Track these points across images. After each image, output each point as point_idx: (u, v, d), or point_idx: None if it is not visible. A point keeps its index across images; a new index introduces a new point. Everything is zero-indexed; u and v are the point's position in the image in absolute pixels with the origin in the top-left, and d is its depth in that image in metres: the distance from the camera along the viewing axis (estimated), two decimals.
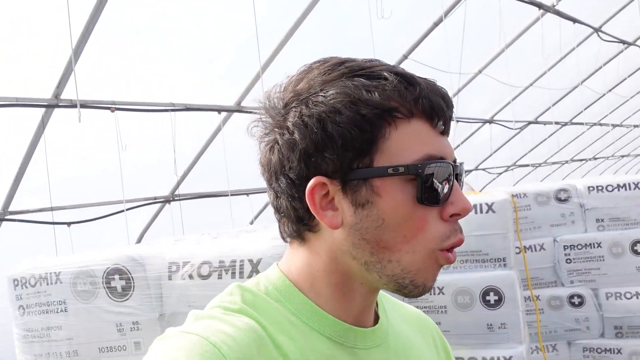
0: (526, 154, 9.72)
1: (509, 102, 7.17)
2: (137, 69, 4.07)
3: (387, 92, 0.64)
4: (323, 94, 0.65)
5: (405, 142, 0.65)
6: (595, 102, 9.17)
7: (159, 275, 2.06)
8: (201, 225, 4.65)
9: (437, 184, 0.65)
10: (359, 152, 0.65)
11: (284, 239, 0.74)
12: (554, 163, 11.19)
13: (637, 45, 7.93)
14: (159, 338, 0.63)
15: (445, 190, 0.66)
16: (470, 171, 8.47)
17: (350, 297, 0.70)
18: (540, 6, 5.44)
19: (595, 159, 12.79)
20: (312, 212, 0.67)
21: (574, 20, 6.19)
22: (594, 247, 4.65)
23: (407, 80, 0.65)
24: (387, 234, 0.66)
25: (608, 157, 13.51)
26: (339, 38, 4.96)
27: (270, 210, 0.74)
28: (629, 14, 6.73)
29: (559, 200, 4.78)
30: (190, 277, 2.00)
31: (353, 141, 0.64)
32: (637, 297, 4.65)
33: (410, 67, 5.17)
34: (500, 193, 3.19)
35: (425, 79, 0.67)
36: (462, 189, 0.70)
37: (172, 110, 4.21)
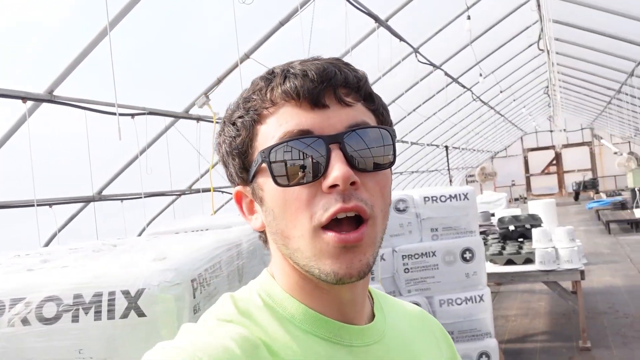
0: None
1: None
2: None
3: (252, 94, 0.69)
4: (223, 118, 0.74)
5: (270, 131, 0.66)
6: (401, 120, 9.77)
7: None
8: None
9: (295, 162, 0.63)
10: (242, 156, 0.69)
11: (263, 244, 0.75)
12: None
13: (442, 69, 8.63)
14: (148, 352, 0.62)
15: (318, 164, 0.63)
16: None
17: (323, 294, 0.69)
18: (376, 19, 5.50)
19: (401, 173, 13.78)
20: (244, 219, 0.74)
21: (400, 38, 6.43)
22: (430, 256, 4.75)
23: (270, 75, 0.68)
24: (280, 223, 0.66)
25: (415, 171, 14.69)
26: (172, 32, 4.42)
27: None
28: (442, 37, 7.25)
29: (398, 210, 4.80)
30: (25, 321, 1.34)
31: (235, 148, 0.69)
32: (466, 303, 4.86)
33: (251, 67, 4.81)
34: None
35: (307, 60, 0.69)
36: (368, 154, 0.66)
37: None
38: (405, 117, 9.55)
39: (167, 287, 1.36)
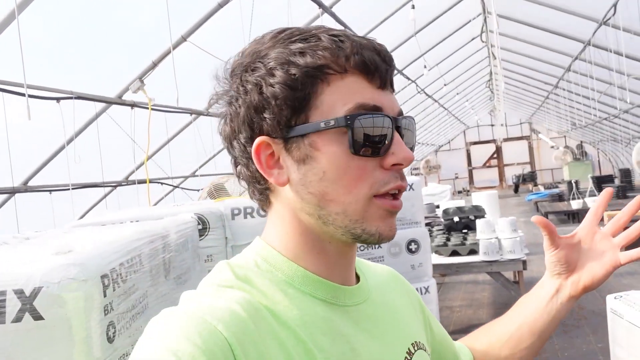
0: None
1: None
2: None
3: (319, 51, 0.67)
4: (261, 60, 0.68)
5: (339, 96, 0.67)
6: None
7: None
8: None
9: (372, 134, 0.66)
10: (294, 110, 0.67)
11: (261, 208, 0.76)
12: None
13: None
14: (153, 318, 0.62)
15: (384, 141, 0.67)
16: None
17: (327, 256, 0.72)
18: (320, 5, 5.34)
19: None
20: (261, 172, 0.70)
21: (344, 26, 6.30)
22: (375, 248, 4.66)
23: (340, 39, 0.68)
24: (330, 186, 0.68)
25: None
26: (102, 11, 4.11)
27: None
28: (387, 27, 7.18)
29: None
30: None
31: (286, 100, 0.67)
32: None
33: (190, 51, 4.56)
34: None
35: (363, 37, 0.70)
36: (411, 141, 0.72)
37: None
38: None
39: (71, 285, 1.15)
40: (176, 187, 7.44)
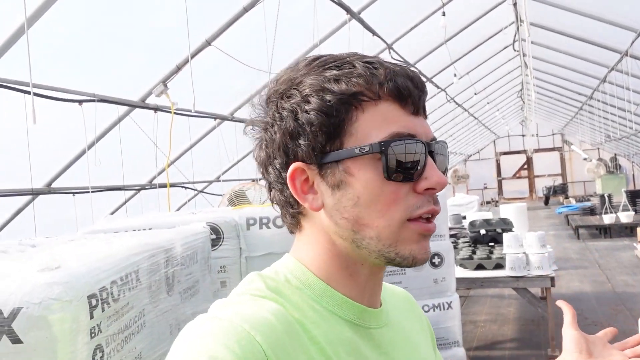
0: None
1: None
2: None
3: (353, 78, 0.69)
4: (296, 87, 0.70)
5: (373, 123, 0.69)
6: None
7: None
8: None
9: (405, 160, 0.68)
10: (329, 137, 0.69)
11: (290, 231, 0.77)
12: None
13: (416, 68, 8.44)
14: (189, 323, 0.63)
15: (417, 166, 0.69)
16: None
17: (358, 278, 0.73)
18: (348, 10, 5.24)
19: None
20: (295, 197, 0.72)
21: (373, 32, 6.19)
22: None
23: (374, 66, 0.70)
24: (364, 210, 0.69)
25: None
26: (127, 14, 4.08)
27: None
28: (417, 34, 7.04)
29: None
30: None
31: (321, 126, 0.68)
32: (434, 310, 4.66)
33: (213, 54, 4.51)
34: None
35: (395, 63, 0.72)
36: (443, 165, 0.73)
37: None
38: None
39: (53, 306, 1.07)
40: (200, 191, 7.42)
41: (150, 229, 2.60)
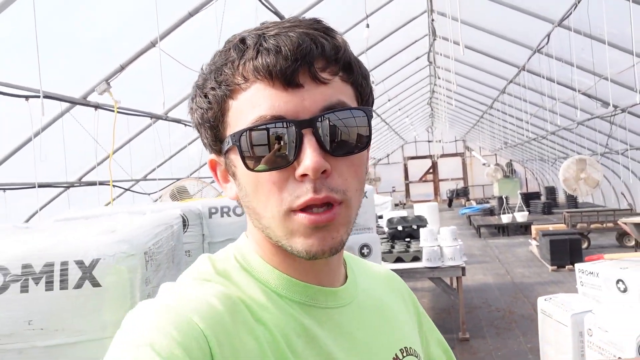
0: None
1: None
2: None
3: (224, 66, 0.65)
4: (195, 83, 0.70)
5: (243, 109, 0.65)
6: None
7: None
8: None
9: (263, 148, 0.62)
10: (215, 130, 0.68)
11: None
12: None
13: None
14: (130, 311, 0.62)
15: (287, 151, 0.62)
16: None
17: (296, 262, 0.69)
18: (281, 18, 5.58)
19: None
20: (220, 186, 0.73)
21: None
22: None
23: (242, 46, 0.65)
24: (252, 201, 0.67)
25: None
26: (72, 12, 4.19)
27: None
28: None
29: None
30: None
31: (207, 120, 0.67)
32: None
33: (157, 57, 4.69)
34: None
35: (277, 32, 0.64)
36: (340, 137, 0.64)
37: None
38: None
39: (123, 258, 1.35)
40: (127, 189, 7.44)
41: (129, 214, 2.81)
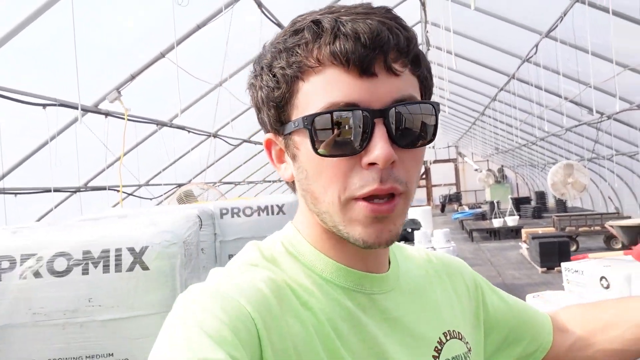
0: (232, 171, 10.17)
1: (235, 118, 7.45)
2: None
3: (296, 47, 0.65)
4: (260, 62, 0.70)
5: (315, 92, 0.64)
6: None
7: None
8: None
9: (335, 134, 0.63)
10: (280, 109, 0.68)
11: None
12: (261, 182, 11.99)
13: None
14: (180, 294, 0.64)
15: (357, 139, 0.62)
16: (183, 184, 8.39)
17: (346, 246, 0.70)
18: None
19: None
20: (273, 166, 0.74)
21: None
22: None
23: (318, 28, 0.65)
24: (312, 185, 0.67)
25: None
26: (84, 23, 4.42)
27: None
28: None
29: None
30: (37, 274, 1.50)
31: (270, 100, 0.68)
32: None
33: (166, 67, 4.93)
34: (287, 196, 3.66)
35: (353, 17, 0.64)
36: (409, 134, 0.65)
37: None
38: None
39: (167, 246, 1.59)
40: (129, 194, 7.66)
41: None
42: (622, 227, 9.31)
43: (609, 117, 8.84)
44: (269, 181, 12.64)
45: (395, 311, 0.72)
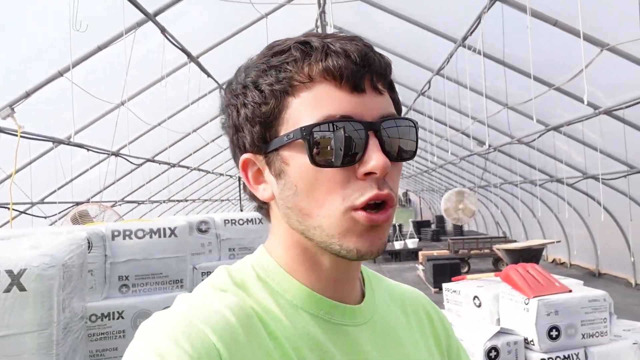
0: (134, 190, 9.99)
1: (138, 137, 7.40)
2: None
3: (285, 64, 0.67)
4: (241, 81, 0.70)
5: (306, 108, 0.66)
6: (200, 149, 10.24)
7: None
8: None
9: (333, 144, 0.64)
10: (266, 126, 0.68)
11: (269, 221, 0.76)
12: (165, 201, 11.81)
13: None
14: (144, 322, 0.63)
15: (353, 149, 0.64)
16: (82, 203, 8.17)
17: (320, 270, 0.71)
18: (188, 55, 5.98)
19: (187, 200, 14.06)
20: (249, 188, 0.73)
21: (207, 74, 6.98)
22: None
23: (306, 48, 0.67)
24: (303, 200, 0.66)
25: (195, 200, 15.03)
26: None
27: None
28: None
29: (200, 231, 5.27)
30: None
31: (256, 117, 0.68)
32: None
33: (65, 85, 4.89)
34: (180, 219, 3.58)
35: (345, 38, 0.68)
36: (396, 145, 0.67)
37: None
38: (204, 146, 10.04)
39: (45, 268, 1.69)
40: (22, 212, 7.36)
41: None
42: (506, 250, 10.11)
43: (495, 149, 9.63)
44: (174, 200, 12.50)
45: (364, 345, 0.71)
